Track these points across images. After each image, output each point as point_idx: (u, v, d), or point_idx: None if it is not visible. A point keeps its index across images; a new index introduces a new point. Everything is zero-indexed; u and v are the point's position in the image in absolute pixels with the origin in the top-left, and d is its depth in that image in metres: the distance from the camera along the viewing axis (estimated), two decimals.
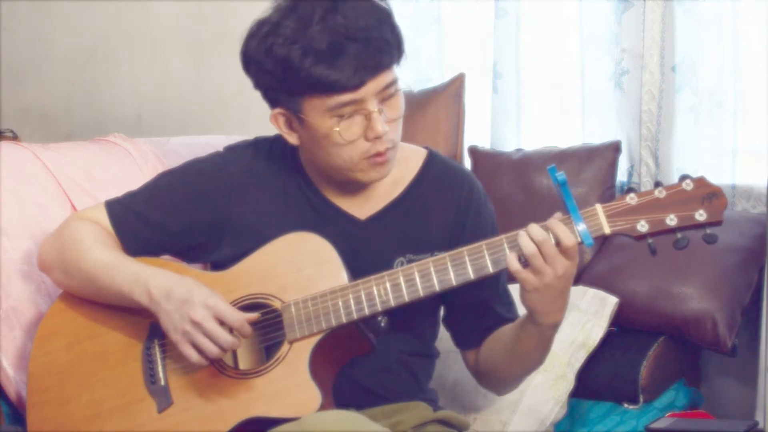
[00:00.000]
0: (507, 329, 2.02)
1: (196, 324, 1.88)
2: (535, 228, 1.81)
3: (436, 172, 2.07)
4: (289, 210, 2.03)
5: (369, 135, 1.90)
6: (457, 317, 2.08)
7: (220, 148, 2.13)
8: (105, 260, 2.00)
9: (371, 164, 1.93)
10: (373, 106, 1.89)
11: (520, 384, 2.13)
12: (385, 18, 1.91)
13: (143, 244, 2.07)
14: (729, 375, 2.85)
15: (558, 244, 1.80)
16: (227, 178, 2.05)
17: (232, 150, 2.11)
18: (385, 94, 1.91)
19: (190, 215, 2.05)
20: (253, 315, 1.91)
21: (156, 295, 1.92)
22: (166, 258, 2.08)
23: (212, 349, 1.88)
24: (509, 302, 2.09)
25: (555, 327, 1.92)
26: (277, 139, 2.09)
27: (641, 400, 2.57)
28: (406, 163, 2.05)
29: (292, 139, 1.98)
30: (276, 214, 2.02)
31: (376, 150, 1.91)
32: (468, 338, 2.09)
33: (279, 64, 1.88)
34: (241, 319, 1.89)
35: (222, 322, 1.89)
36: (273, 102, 1.97)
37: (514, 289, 2.04)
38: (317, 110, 1.89)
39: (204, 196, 2.05)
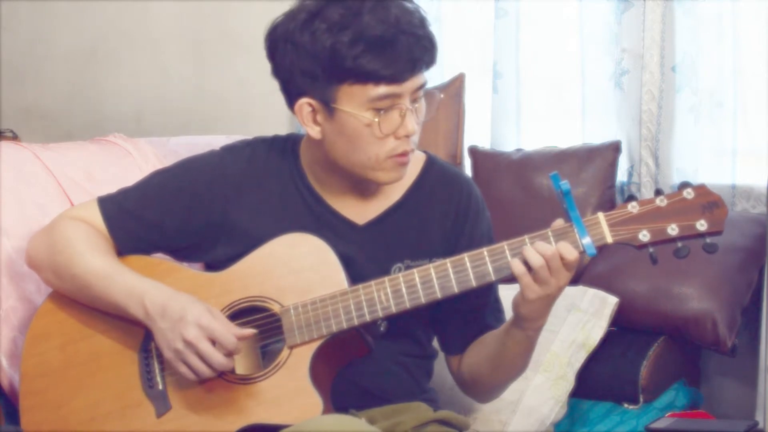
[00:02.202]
0: (491, 336, 2.02)
1: (188, 344, 1.86)
2: (542, 244, 1.81)
3: (435, 177, 2.06)
4: (286, 213, 2.01)
5: (400, 132, 1.89)
6: (445, 322, 2.06)
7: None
8: (99, 268, 1.97)
9: (394, 164, 1.91)
10: (407, 103, 1.88)
11: (502, 393, 2.12)
12: (425, 20, 1.92)
13: (136, 243, 2.05)
14: (729, 375, 2.85)
15: (561, 258, 1.80)
16: (223, 178, 2.03)
17: (229, 150, 2.08)
18: (416, 96, 1.91)
19: (184, 215, 2.03)
20: (249, 331, 1.89)
21: (151, 311, 1.90)
22: (159, 257, 2.07)
23: (204, 370, 1.87)
24: (499, 310, 2.08)
25: (540, 329, 1.93)
26: (276, 140, 2.08)
27: (641, 400, 2.57)
28: None
29: (314, 132, 1.94)
30: (272, 217, 2.00)
31: (403, 149, 1.90)
32: (454, 343, 2.08)
33: (324, 49, 1.85)
34: (234, 341, 1.87)
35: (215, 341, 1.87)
36: (300, 91, 1.92)
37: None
38: (355, 100, 1.87)
39: (199, 196, 2.03)
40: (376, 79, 1.85)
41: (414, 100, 1.90)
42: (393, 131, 1.88)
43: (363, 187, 1.99)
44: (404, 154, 1.91)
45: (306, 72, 1.89)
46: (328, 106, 1.89)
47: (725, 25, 2.85)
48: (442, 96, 1.98)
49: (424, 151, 2.09)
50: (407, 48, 1.85)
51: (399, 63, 1.84)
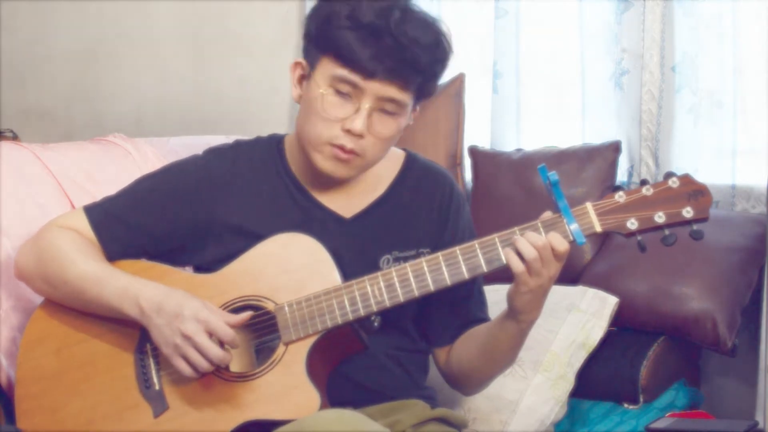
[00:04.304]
0: (482, 329, 2.03)
1: (186, 338, 1.87)
2: (533, 234, 1.83)
3: (418, 172, 2.09)
4: (274, 210, 2.02)
5: (345, 124, 1.91)
6: (431, 314, 2.08)
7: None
8: (91, 273, 1.98)
9: (331, 153, 1.94)
10: (366, 103, 1.90)
11: (488, 386, 2.13)
12: (435, 46, 1.92)
13: (125, 248, 2.05)
14: (729, 375, 2.85)
15: (552, 249, 1.82)
16: (209, 180, 2.04)
17: (213, 152, 2.09)
18: (384, 106, 1.92)
19: (172, 218, 2.04)
20: (244, 316, 1.90)
21: (147, 309, 1.91)
22: (150, 261, 2.06)
23: (203, 364, 1.87)
24: (483, 302, 2.10)
25: (533, 323, 1.95)
26: (259, 140, 2.10)
27: (641, 400, 2.57)
28: (386, 163, 2.05)
29: (295, 93, 1.99)
30: (261, 215, 2.01)
31: (341, 142, 1.92)
32: (440, 336, 2.10)
33: (324, 13, 1.91)
34: (231, 333, 1.88)
35: (213, 335, 1.88)
36: (304, 51, 1.98)
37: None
38: (325, 74, 1.91)
39: (186, 199, 2.03)
40: (344, 59, 1.88)
41: (381, 109, 1.92)
42: (338, 118, 1.91)
43: (344, 181, 2.01)
44: (341, 147, 1.92)
45: (309, 32, 1.95)
46: (310, 71, 1.94)
47: (725, 25, 2.86)
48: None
49: (403, 149, 2.12)
50: (385, 50, 1.87)
51: (367, 55, 1.87)
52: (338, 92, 1.91)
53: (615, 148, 2.92)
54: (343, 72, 1.89)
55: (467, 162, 3.14)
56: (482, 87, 3.22)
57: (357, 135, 1.91)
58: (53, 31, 3.68)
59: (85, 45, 3.66)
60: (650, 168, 2.95)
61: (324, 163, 1.95)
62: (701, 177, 2.83)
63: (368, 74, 1.88)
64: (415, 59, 1.89)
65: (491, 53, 3.17)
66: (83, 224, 2.06)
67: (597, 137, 3.02)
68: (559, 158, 2.94)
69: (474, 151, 3.11)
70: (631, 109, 2.98)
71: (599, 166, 2.90)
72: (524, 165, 2.97)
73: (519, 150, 3.09)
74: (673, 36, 2.90)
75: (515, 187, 2.95)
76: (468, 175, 3.13)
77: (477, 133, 3.21)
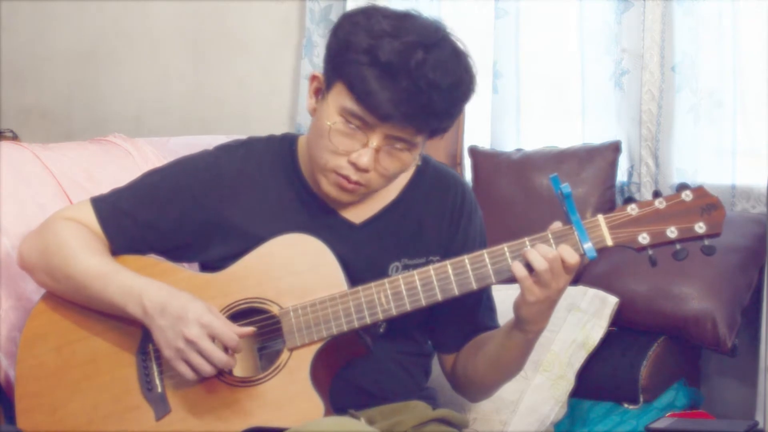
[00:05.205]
0: (489, 337, 2.02)
1: (190, 342, 1.85)
2: (543, 246, 1.81)
3: (430, 177, 2.06)
4: (283, 212, 2.00)
5: (352, 157, 1.88)
6: (440, 321, 2.06)
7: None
8: (94, 268, 1.96)
9: (335, 180, 1.91)
10: (374, 141, 1.87)
11: (495, 393, 2.12)
12: (458, 94, 1.89)
13: (131, 243, 2.03)
14: (729, 375, 2.85)
15: (562, 261, 1.80)
16: (218, 177, 2.02)
17: (224, 149, 2.07)
18: (394, 144, 1.88)
19: (179, 214, 2.01)
20: (249, 329, 1.88)
21: (150, 309, 1.89)
22: (155, 257, 2.05)
23: (206, 368, 1.86)
24: (492, 309, 2.08)
25: (540, 333, 1.93)
26: (271, 139, 2.08)
27: (641, 400, 2.57)
28: None
29: (309, 104, 1.96)
30: (268, 216, 2.00)
31: (347, 173, 1.89)
32: (447, 342, 2.09)
33: (344, 39, 1.85)
34: (235, 338, 1.86)
35: (216, 339, 1.86)
36: (324, 62, 1.93)
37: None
38: (336, 100, 1.87)
39: (193, 195, 2.01)
40: (357, 95, 1.84)
41: (388, 146, 1.88)
42: (346, 151, 1.88)
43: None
44: (347, 178, 1.90)
45: (329, 48, 1.90)
46: (324, 89, 1.91)
47: (725, 25, 2.86)
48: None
49: None
50: (403, 92, 1.82)
51: (383, 98, 1.82)
52: (348, 122, 1.86)
53: (615, 148, 2.92)
54: (356, 108, 1.84)
55: (467, 162, 3.14)
56: (482, 87, 3.20)
57: (362, 170, 1.88)
58: (53, 31, 3.68)
59: (85, 45, 3.67)
60: (650, 168, 2.95)
61: (328, 187, 1.93)
62: (701, 177, 2.86)
63: (381, 117, 1.83)
64: (431, 105, 1.84)
65: (491, 53, 3.17)
66: (90, 217, 2.04)
67: (597, 137, 3.02)
68: (559, 158, 2.94)
69: (474, 151, 3.11)
70: (631, 109, 2.98)
71: (599, 166, 2.90)
72: (524, 165, 2.97)
73: (519, 150, 3.09)
74: (673, 36, 2.90)
75: (515, 187, 2.95)
76: (468, 175, 3.13)
77: (477, 133, 3.21)
